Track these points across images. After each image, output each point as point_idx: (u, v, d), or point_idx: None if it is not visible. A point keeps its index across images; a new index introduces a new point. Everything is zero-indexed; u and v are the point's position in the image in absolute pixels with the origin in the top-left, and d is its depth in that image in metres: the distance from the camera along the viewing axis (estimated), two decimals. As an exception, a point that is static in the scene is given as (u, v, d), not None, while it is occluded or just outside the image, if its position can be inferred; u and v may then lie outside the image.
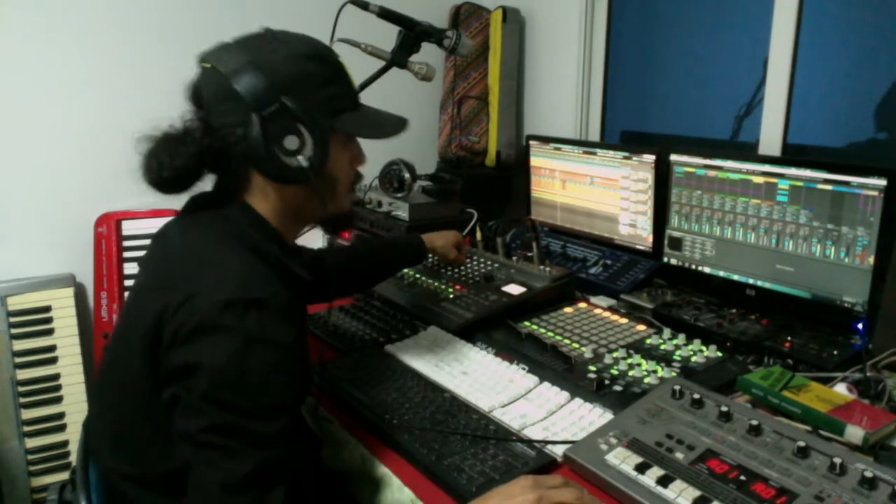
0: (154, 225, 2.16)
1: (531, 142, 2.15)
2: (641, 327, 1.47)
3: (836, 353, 1.32)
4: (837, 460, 0.92)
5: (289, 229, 1.07)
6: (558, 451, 1.03)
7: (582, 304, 1.60)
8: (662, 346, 1.36)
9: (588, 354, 1.33)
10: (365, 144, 1.11)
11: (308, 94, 0.96)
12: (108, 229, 2.15)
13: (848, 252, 1.38)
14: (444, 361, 1.32)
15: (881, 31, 1.79)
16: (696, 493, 0.90)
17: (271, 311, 0.88)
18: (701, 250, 1.68)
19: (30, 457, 2.01)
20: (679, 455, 0.98)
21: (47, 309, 2.05)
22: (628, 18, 2.40)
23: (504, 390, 1.21)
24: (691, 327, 1.47)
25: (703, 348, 1.35)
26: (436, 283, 1.66)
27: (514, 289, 1.58)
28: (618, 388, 1.20)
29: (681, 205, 1.70)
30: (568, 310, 1.56)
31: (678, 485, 0.91)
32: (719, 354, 1.32)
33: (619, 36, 2.41)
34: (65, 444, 2.05)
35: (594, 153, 1.95)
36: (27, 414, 2.01)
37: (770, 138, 1.91)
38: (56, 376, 2.05)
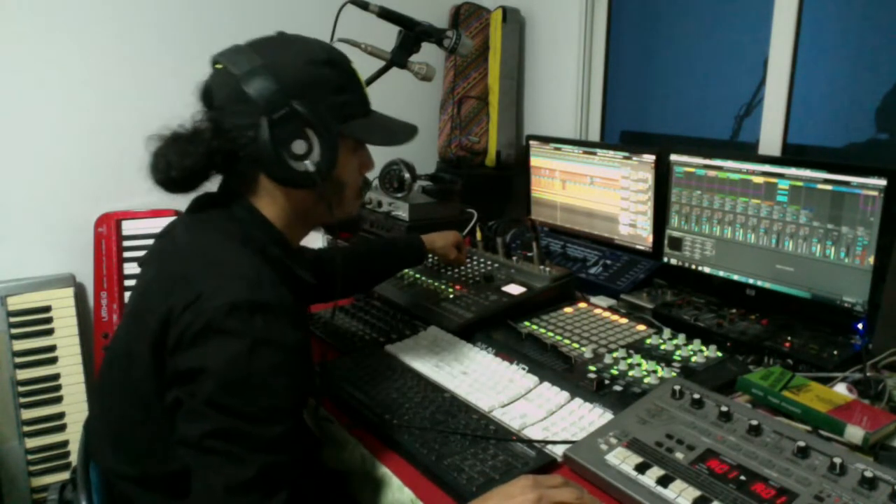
0: (154, 225, 2.17)
1: (531, 142, 2.15)
2: (641, 327, 1.47)
3: (836, 353, 1.32)
4: (837, 460, 0.92)
5: (294, 232, 1.06)
6: (558, 451, 1.03)
7: (582, 304, 1.60)
8: (662, 346, 1.36)
9: (588, 354, 1.33)
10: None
11: (319, 99, 0.96)
12: (108, 229, 2.15)
13: (848, 252, 1.38)
14: (444, 361, 1.32)
15: (881, 31, 1.79)
16: (696, 493, 0.90)
17: (277, 315, 0.88)
18: (701, 250, 1.68)
19: (30, 457, 2.01)
20: (679, 455, 0.98)
21: (47, 309, 2.05)
22: (628, 18, 2.40)
23: (504, 390, 1.21)
24: (691, 327, 1.47)
25: (703, 348, 1.35)
26: (436, 283, 1.66)
27: (514, 289, 1.58)
28: (618, 388, 1.20)
29: (681, 205, 1.70)
30: (568, 310, 1.56)
31: (678, 485, 0.91)
32: (719, 354, 1.32)
33: (619, 36, 2.41)
34: (65, 444, 2.06)
35: (594, 153, 1.95)
36: (27, 414, 2.01)
37: (770, 138, 1.91)
38: (56, 376, 2.05)
